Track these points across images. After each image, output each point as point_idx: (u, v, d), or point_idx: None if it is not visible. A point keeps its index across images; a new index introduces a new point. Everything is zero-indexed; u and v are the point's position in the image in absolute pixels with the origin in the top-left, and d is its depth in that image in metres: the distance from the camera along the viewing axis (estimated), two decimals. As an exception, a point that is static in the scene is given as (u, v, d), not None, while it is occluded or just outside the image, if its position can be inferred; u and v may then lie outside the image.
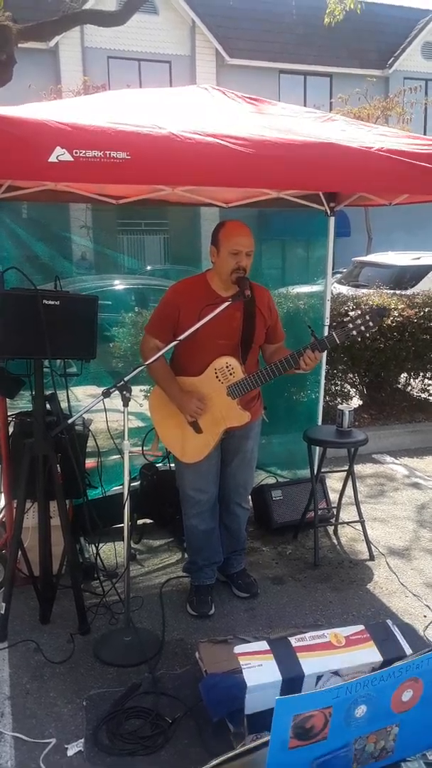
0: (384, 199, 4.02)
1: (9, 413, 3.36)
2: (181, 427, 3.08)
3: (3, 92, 6.24)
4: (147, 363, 2.91)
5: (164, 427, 3.18)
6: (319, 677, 2.29)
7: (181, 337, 2.88)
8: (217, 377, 3.04)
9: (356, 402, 6.35)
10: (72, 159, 2.25)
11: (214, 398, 3.04)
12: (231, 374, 3.03)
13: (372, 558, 3.80)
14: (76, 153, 2.25)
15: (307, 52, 18.99)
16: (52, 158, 2.23)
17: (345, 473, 4.05)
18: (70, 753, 2.37)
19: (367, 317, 2.87)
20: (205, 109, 3.07)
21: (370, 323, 2.87)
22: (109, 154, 2.29)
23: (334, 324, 5.02)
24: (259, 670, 2.26)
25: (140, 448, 3.76)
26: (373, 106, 15.44)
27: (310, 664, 2.30)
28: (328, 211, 4.19)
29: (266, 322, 3.17)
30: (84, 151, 2.26)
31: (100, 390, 2.81)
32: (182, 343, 2.94)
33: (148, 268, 5.94)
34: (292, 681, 2.26)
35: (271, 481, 4.46)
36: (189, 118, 2.65)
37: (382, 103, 15.90)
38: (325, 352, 3.94)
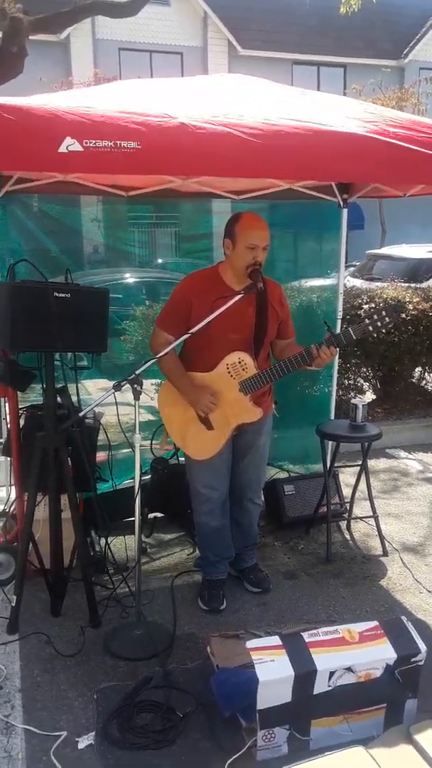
0: (399, 190, 3.96)
1: (20, 406, 3.35)
2: (192, 423, 3.05)
3: (14, 84, 6.22)
4: (159, 356, 2.87)
5: (174, 423, 3.14)
6: (332, 673, 2.27)
7: (194, 329, 2.83)
8: (229, 373, 3.00)
9: (369, 396, 6.30)
10: (82, 149, 2.22)
11: (226, 394, 3.01)
12: (244, 370, 2.99)
13: (385, 553, 3.77)
14: (86, 143, 2.22)
15: (320, 43, 18.80)
16: (62, 149, 2.21)
17: (358, 468, 4.02)
18: (80, 746, 2.37)
19: (384, 313, 2.82)
20: (220, 96, 3.02)
21: (387, 319, 2.82)
22: (120, 144, 2.26)
23: (348, 317, 4.99)
24: (271, 665, 2.26)
25: (149, 442, 3.74)
26: (387, 96, 15.26)
27: (323, 660, 2.29)
28: (341, 203, 4.14)
29: (278, 317, 3.13)
30: (94, 141, 2.23)
31: (110, 383, 2.79)
32: (193, 338, 2.88)
33: (159, 261, 5.91)
34: (305, 676, 2.25)
35: (283, 475, 4.43)
36: (201, 108, 2.61)
37: (396, 93, 15.73)
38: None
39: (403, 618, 2.52)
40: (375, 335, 5.17)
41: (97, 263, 5.00)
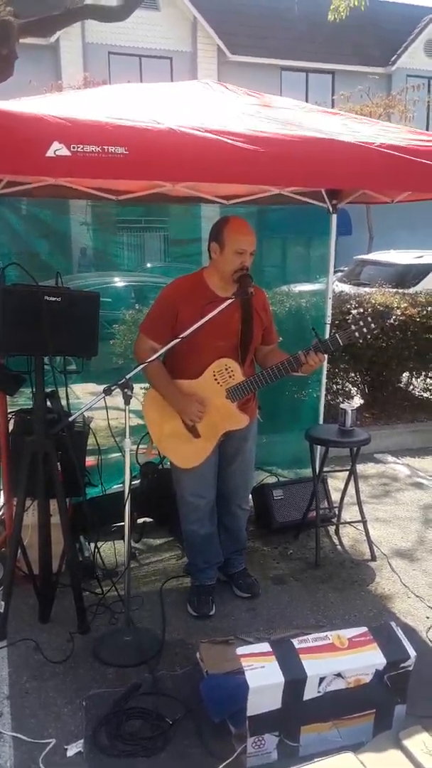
0: (386, 197, 3.99)
1: (9, 410, 3.33)
2: (178, 432, 3.02)
3: (3, 88, 6.20)
4: (146, 362, 2.83)
5: (160, 431, 3.09)
6: (321, 679, 2.27)
7: (184, 335, 2.82)
8: (215, 380, 2.99)
9: (358, 401, 6.32)
10: (69, 154, 2.22)
11: (213, 401, 2.99)
12: (230, 377, 2.98)
13: (374, 558, 3.78)
14: (73, 148, 2.22)
15: (309, 49, 18.91)
16: (50, 153, 2.21)
17: (347, 473, 4.03)
18: (69, 753, 2.35)
19: (370, 319, 2.84)
20: (206, 104, 3.04)
21: (373, 325, 2.84)
22: (107, 149, 2.26)
23: (337, 323, 5.00)
24: (261, 671, 2.25)
25: (137, 447, 3.73)
26: (375, 103, 15.37)
27: (313, 666, 2.29)
28: (330, 209, 4.16)
29: (263, 323, 3.12)
30: (82, 146, 2.23)
31: (100, 387, 2.78)
32: (179, 345, 2.86)
33: (148, 265, 5.91)
34: (295, 683, 2.25)
35: (273, 480, 4.44)
36: (189, 114, 2.62)
37: (384, 100, 15.84)
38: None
39: (392, 623, 2.52)
40: (363, 340, 5.23)
41: (85, 267, 4.99)
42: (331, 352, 2.97)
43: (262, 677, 2.23)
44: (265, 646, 2.36)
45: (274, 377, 2.95)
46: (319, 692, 2.28)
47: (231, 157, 2.43)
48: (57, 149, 2.21)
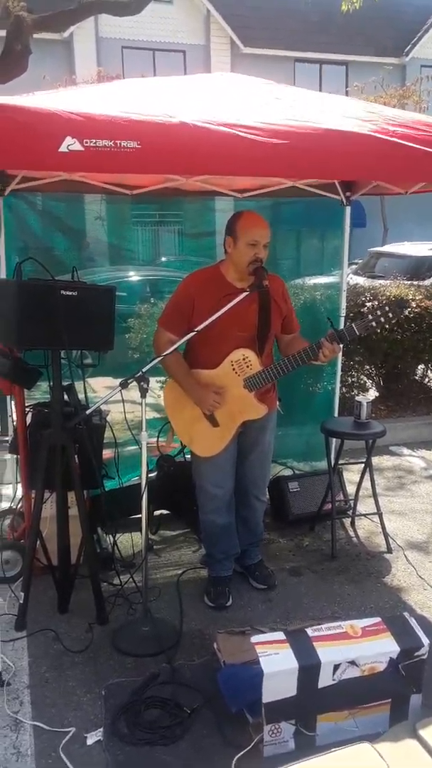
0: (401, 188, 3.97)
1: (27, 404, 3.37)
2: (198, 421, 3.06)
3: (18, 83, 6.23)
4: (163, 355, 2.88)
5: (180, 421, 3.16)
6: (336, 666, 2.29)
7: (199, 327, 2.85)
8: (233, 370, 3.02)
9: (373, 393, 6.31)
10: (82, 149, 2.24)
11: (231, 391, 3.02)
12: (248, 366, 3.01)
13: (390, 551, 3.78)
14: (86, 143, 2.24)
15: (322, 40, 18.78)
16: (63, 148, 2.22)
17: (362, 465, 4.03)
18: (89, 742, 2.39)
19: (387, 309, 2.83)
20: (219, 96, 3.03)
21: (390, 315, 2.83)
22: (120, 143, 2.27)
23: (351, 315, 4.99)
24: (275, 658, 2.28)
25: (155, 440, 3.75)
26: (389, 94, 15.22)
27: (327, 653, 2.31)
28: (344, 201, 4.15)
29: (282, 312, 3.14)
30: (94, 141, 2.25)
31: (116, 381, 2.81)
32: (197, 336, 2.90)
33: (163, 259, 5.91)
34: (309, 668, 2.27)
35: (288, 472, 4.45)
36: (201, 107, 2.62)
37: (398, 91, 15.68)
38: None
39: (406, 614, 2.53)
40: (378, 332, 5.21)
41: (84, 261, 4.98)
42: (347, 341, 2.96)
43: (277, 663, 2.25)
44: (280, 635, 2.39)
45: (291, 367, 2.96)
46: (333, 680, 2.29)
47: (244, 151, 2.43)
48: (70, 144, 2.23)
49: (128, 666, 2.80)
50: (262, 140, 2.44)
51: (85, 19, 9.64)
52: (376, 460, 5.00)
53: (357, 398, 3.90)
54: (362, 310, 5.37)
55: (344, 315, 4.36)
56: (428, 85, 15.49)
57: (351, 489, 4.23)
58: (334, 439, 3.98)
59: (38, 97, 2.56)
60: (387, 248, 12.09)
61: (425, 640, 2.39)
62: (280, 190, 4.01)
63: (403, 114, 3.12)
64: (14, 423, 3.49)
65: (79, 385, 3.29)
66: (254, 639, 2.38)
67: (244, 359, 3.01)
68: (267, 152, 2.46)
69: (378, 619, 2.48)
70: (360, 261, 12.00)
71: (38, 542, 3.08)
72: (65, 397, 3.16)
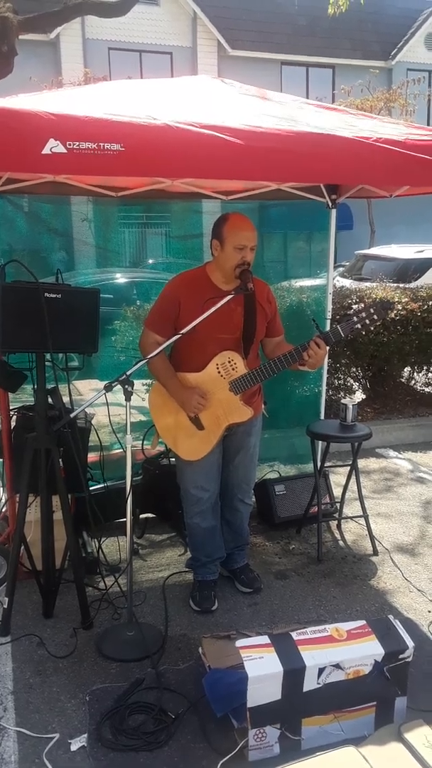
0: (385, 191, 3.98)
1: (11, 407, 3.35)
2: (183, 424, 3.06)
3: (3, 84, 6.19)
4: (148, 357, 2.88)
5: (165, 424, 3.14)
6: (321, 670, 2.29)
7: (184, 330, 2.85)
8: (219, 372, 3.01)
9: (359, 396, 6.33)
10: (65, 151, 2.23)
11: (216, 394, 3.01)
12: (233, 369, 3.00)
13: (376, 553, 3.79)
14: (69, 145, 2.23)
15: (309, 44, 18.84)
16: (46, 150, 2.21)
17: (348, 468, 4.03)
18: (73, 748, 2.37)
19: (372, 310, 2.85)
20: (203, 99, 3.03)
21: (375, 316, 2.84)
22: (103, 146, 2.26)
23: (338, 317, 5.01)
24: (260, 661, 2.27)
25: (140, 443, 3.74)
26: (375, 97, 15.31)
27: (311, 656, 2.31)
28: (330, 204, 4.16)
29: (266, 315, 3.14)
30: (77, 143, 2.24)
31: (101, 384, 2.79)
32: (183, 338, 2.89)
33: (150, 261, 5.90)
34: (294, 672, 2.26)
35: (274, 475, 4.45)
36: (185, 110, 2.62)
37: (385, 94, 15.77)
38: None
39: (390, 617, 2.53)
40: (364, 334, 5.23)
41: (74, 263, 4.96)
42: (332, 343, 2.97)
43: (261, 667, 2.24)
44: (264, 639, 2.38)
45: (276, 369, 2.96)
46: (318, 684, 2.29)
47: (225, 153, 2.42)
48: (53, 146, 2.22)
49: (113, 671, 2.79)
50: (244, 143, 2.43)
51: (72, 20, 9.59)
52: (362, 463, 5.02)
53: (343, 401, 3.90)
54: (348, 312, 5.39)
55: (330, 317, 4.36)
56: (414, 88, 15.61)
57: (337, 492, 4.24)
58: (320, 442, 3.98)
59: (22, 98, 2.54)
60: (374, 251, 12.14)
61: (410, 643, 2.39)
62: (266, 193, 4.01)
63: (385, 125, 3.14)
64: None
65: (64, 388, 3.27)
66: (239, 643, 2.37)
67: (229, 362, 3.00)
68: (248, 156, 2.45)
69: (363, 622, 2.49)
70: (347, 263, 12.05)
71: (22, 546, 3.06)
72: (50, 400, 3.13)
